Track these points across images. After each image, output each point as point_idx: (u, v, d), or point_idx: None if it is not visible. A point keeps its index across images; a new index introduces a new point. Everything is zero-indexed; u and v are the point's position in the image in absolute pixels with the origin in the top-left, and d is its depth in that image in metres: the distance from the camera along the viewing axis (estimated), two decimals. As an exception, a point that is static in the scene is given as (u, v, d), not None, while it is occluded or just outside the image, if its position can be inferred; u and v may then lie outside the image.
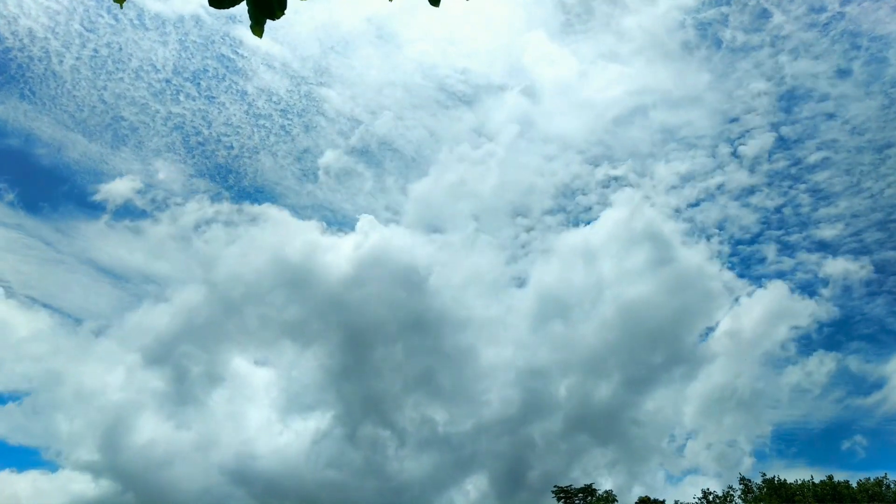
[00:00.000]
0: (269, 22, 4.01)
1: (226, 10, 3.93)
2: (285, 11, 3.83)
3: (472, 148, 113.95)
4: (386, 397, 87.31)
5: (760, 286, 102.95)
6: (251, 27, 3.86)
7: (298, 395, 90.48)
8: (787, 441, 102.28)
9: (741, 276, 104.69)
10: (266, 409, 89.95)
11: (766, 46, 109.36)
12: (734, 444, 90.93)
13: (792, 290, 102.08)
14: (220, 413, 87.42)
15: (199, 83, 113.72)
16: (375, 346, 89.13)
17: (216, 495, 76.45)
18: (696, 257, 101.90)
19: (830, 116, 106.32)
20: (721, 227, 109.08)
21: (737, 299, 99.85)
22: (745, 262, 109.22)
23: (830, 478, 50.33)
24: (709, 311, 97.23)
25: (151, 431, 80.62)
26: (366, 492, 79.40)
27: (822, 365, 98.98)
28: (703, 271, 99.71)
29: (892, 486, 49.65)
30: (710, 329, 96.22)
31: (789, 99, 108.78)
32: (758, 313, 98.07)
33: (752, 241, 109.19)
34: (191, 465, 78.82)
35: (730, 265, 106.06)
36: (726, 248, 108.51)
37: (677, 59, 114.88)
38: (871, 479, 50.34)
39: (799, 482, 50.74)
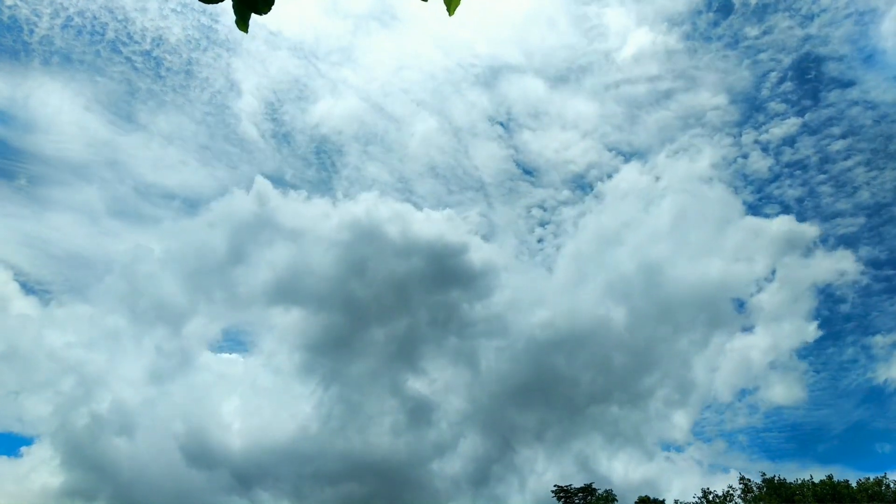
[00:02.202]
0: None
1: None
2: (271, 8, 3.74)
3: (485, 133, 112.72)
4: (372, 375, 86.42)
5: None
6: (236, 22, 3.77)
7: (284, 370, 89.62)
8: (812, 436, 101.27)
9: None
10: (248, 386, 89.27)
11: (781, 11, 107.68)
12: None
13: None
14: (197, 393, 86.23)
15: (180, 55, 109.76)
16: (368, 322, 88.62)
17: (187, 481, 74.58)
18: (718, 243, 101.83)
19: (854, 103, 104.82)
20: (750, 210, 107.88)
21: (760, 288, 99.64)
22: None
23: (830, 477, 50.34)
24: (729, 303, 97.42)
25: (120, 413, 78.73)
26: (344, 470, 77.97)
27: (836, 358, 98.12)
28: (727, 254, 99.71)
29: (892, 485, 49.62)
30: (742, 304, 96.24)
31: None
32: (779, 298, 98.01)
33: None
34: (160, 446, 76.83)
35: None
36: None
37: (686, 21, 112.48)
38: (871, 479, 50.35)
39: (799, 482, 50.75)
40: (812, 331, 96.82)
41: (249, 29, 3.98)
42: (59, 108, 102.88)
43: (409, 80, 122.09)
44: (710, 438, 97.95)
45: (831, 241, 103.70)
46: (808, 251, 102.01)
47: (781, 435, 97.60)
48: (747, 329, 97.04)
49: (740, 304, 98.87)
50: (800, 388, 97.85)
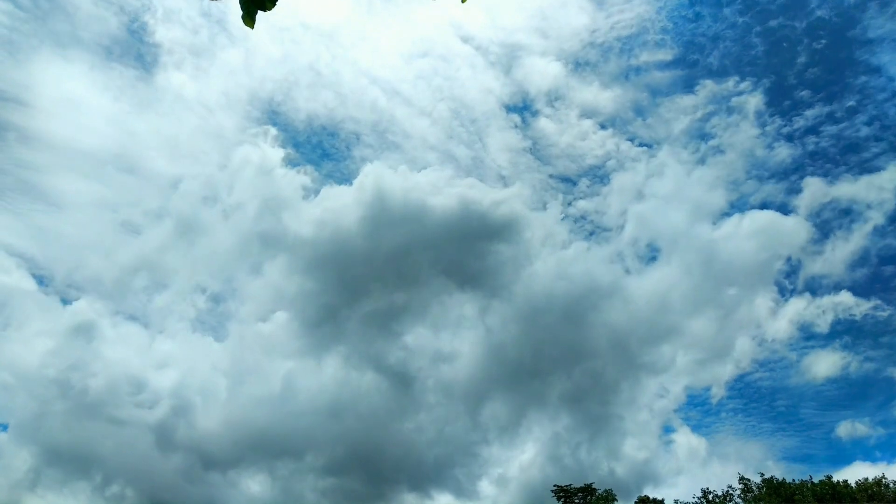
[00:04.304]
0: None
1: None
2: (276, 3, 4.01)
3: (500, 120, 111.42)
4: (361, 351, 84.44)
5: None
6: (242, 18, 4.04)
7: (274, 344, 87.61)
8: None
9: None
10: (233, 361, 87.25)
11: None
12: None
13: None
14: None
15: (178, 32, 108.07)
16: (363, 297, 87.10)
17: (163, 464, 72.25)
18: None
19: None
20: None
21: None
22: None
23: (829, 477, 50.64)
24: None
25: (101, 399, 76.30)
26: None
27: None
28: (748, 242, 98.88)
29: (892, 485, 49.84)
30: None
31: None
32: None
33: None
34: (138, 430, 74.83)
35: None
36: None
37: None
38: (871, 479, 50.59)
39: (798, 482, 50.98)
40: (853, 306, 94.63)
41: (252, 27, 4.24)
42: (44, 84, 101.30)
43: (424, 66, 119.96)
44: (730, 425, 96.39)
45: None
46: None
47: (799, 435, 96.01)
48: (789, 296, 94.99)
49: (785, 269, 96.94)
50: (835, 367, 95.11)
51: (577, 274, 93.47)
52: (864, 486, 50.13)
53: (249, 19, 4.01)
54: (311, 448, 76.30)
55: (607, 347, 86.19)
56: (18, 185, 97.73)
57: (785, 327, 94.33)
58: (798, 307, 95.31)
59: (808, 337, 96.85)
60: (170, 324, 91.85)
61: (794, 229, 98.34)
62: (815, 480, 50.84)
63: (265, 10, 4.09)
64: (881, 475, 50.20)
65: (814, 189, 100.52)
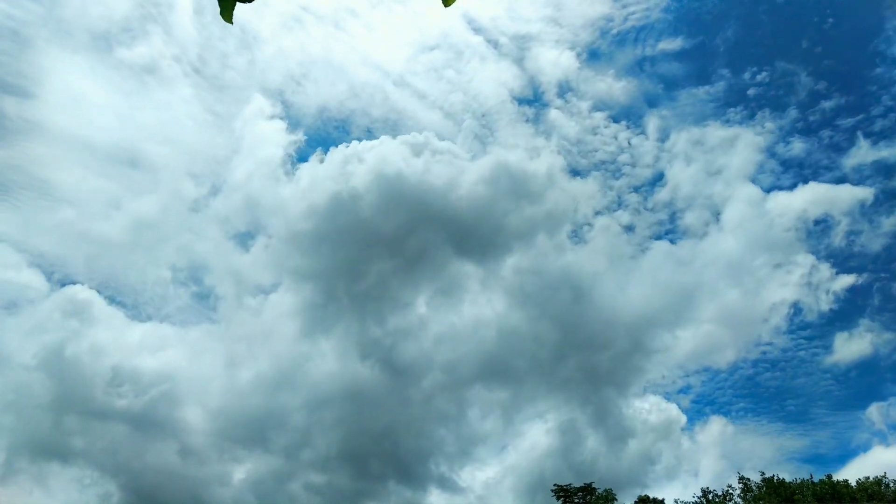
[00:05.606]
0: None
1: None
2: (256, -4, 3.59)
3: (511, 112, 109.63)
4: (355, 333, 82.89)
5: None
6: (220, 13, 3.63)
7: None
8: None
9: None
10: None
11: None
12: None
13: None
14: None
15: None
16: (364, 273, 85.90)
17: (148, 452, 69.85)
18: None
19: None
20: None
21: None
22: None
23: (830, 477, 50.49)
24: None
25: (90, 390, 72.28)
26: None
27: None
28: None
29: (892, 484, 49.71)
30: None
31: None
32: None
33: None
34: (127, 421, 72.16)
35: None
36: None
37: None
38: (871, 479, 50.45)
39: (798, 481, 50.80)
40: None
41: (231, 21, 3.84)
42: (49, 75, 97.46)
43: (434, 58, 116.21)
44: (739, 424, 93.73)
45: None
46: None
47: (809, 434, 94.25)
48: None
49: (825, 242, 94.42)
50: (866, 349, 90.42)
51: (582, 261, 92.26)
52: (864, 485, 49.98)
53: (227, 13, 3.61)
54: (301, 441, 74.69)
55: (614, 335, 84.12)
56: (26, 180, 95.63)
57: (821, 305, 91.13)
58: (842, 283, 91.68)
59: (840, 317, 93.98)
60: (157, 309, 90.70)
61: (842, 200, 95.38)
62: (816, 480, 50.78)
63: (246, 2, 3.69)
64: (883, 474, 50.14)
65: (861, 154, 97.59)
